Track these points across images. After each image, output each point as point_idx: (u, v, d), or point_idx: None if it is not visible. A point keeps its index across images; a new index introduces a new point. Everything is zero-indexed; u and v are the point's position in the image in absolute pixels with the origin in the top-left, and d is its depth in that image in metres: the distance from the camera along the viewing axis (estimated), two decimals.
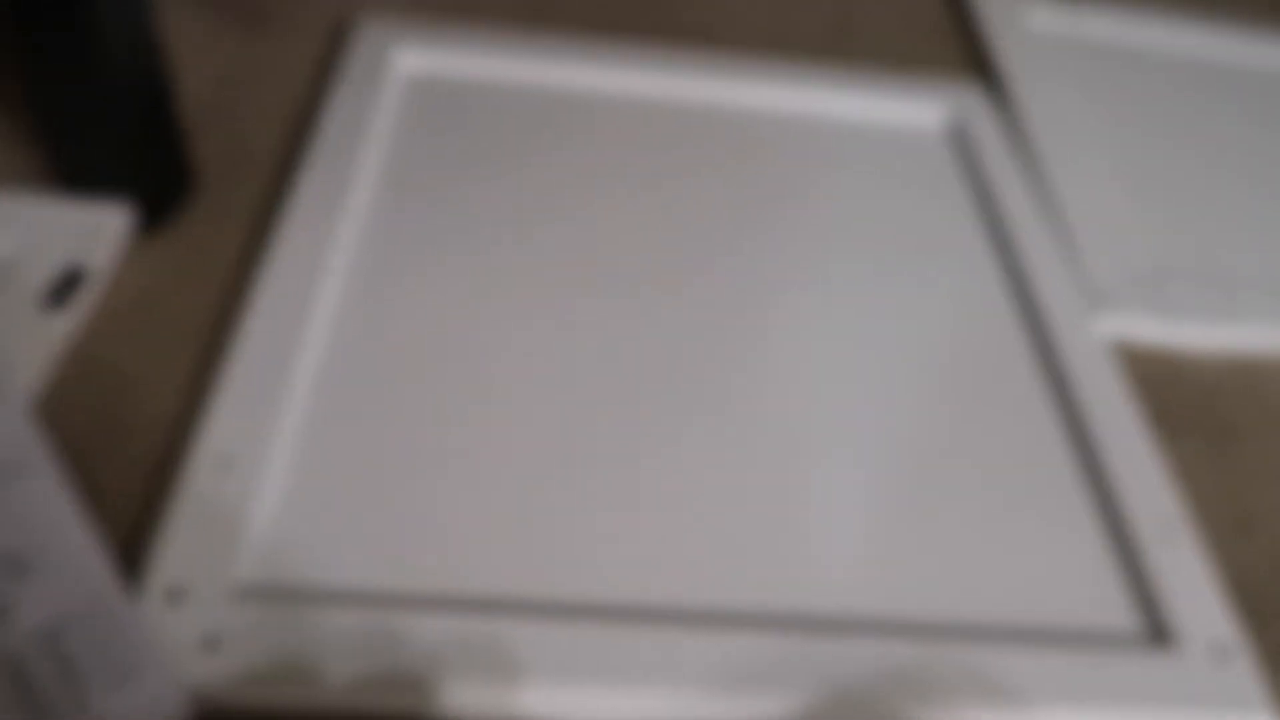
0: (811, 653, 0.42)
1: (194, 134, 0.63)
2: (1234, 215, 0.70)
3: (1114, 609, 0.47)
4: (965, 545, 0.48)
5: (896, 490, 0.50)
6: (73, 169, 0.56)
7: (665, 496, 0.48)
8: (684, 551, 0.46)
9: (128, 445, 0.47)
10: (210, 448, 0.45)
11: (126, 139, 0.54)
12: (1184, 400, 0.58)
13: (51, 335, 0.50)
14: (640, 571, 0.45)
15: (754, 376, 0.54)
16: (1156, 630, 0.46)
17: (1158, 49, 0.86)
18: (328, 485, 0.46)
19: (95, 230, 0.54)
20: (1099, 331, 0.59)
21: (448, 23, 0.75)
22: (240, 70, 0.69)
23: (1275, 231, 0.69)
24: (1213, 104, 0.80)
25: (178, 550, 0.42)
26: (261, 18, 0.73)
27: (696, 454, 0.50)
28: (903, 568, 0.47)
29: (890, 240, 0.63)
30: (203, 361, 0.51)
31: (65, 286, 0.52)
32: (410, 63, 0.69)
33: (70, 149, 0.55)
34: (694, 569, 0.45)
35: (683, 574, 0.45)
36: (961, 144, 0.71)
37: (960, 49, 0.83)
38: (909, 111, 0.73)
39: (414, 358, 0.52)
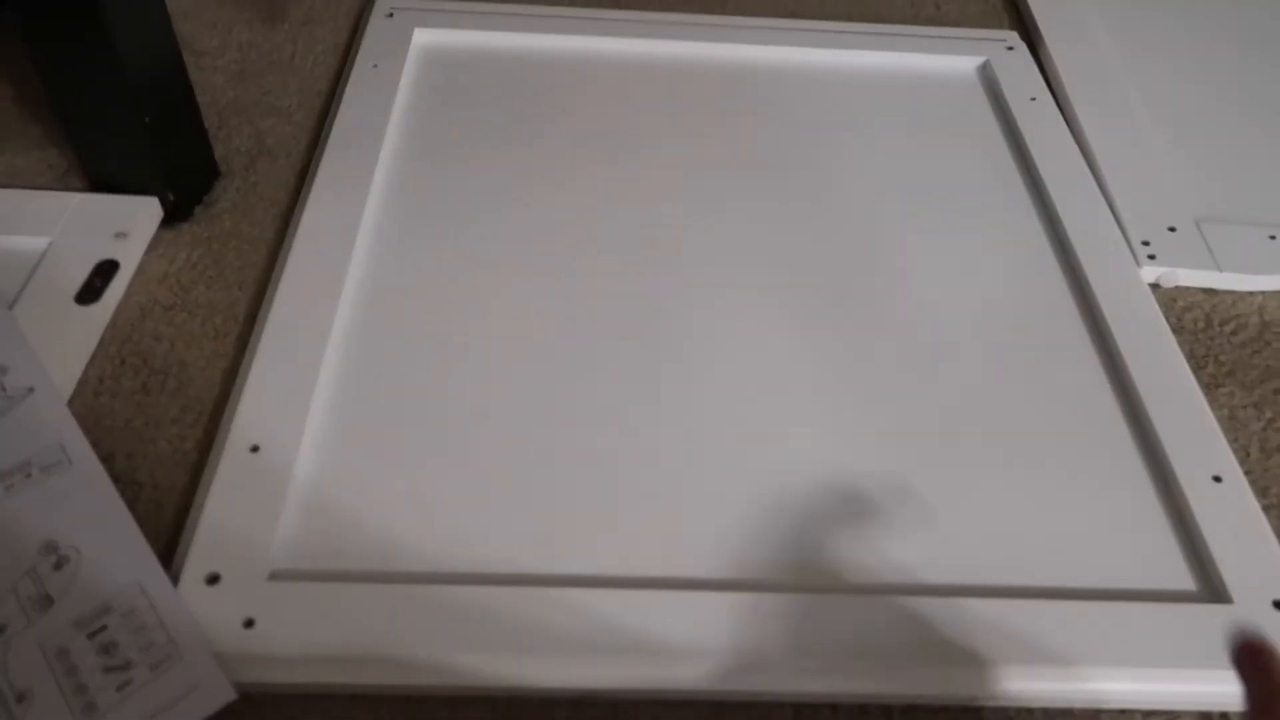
0: (866, 611, 0.41)
1: (217, 125, 0.64)
2: (1272, 157, 0.67)
3: (1169, 567, 0.45)
4: (1016, 505, 0.47)
5: (949, 447, 0.49)
6: (101, 166, 0.57)
7: (701, 461, 0.47)
8: (730, 513, 0.45)
9: (164, 434, 0.48)
10: (242, 436, 0.46)
11: (150, 134, 0.55)
12: (1230, 348, 0.56)
13: (87, 328, 0.51)
14: (668, 544, 0.44)
15: (798, 329, 0.53)
16: (1213, 588, 0.44)
17: None
18: (354, 470, 0.46)
19: (126, 224, 0.55)
20: (1140, 280, 0.57)
21: (462, 0, 0.74)
22: (260, 60, 0.69)
23: None
24: (1246, 44, 0.77)
25: (214, 536, 0.42)
26: (278, 8, 0.74)
27: (738, 413, 0.49)
28: (956, 529, 0.46)
29: (929, 190, 0.62)
30: (234, 351, 0.51)
31: (99, 280, 0.53)
32: (427, 40, 0.69)
33: (96, 147, 0.56)
34: (751, 531, 0.45)
35: (737, 537, 0.44)
36: (995, 93, 0.69)
37: None
38: (944, 62, 0.71)
39: (433, 344, 0.52)
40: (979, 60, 0.71)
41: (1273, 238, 0.61)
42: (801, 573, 0.44)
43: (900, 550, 0.45)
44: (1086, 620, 0.42)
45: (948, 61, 0.72)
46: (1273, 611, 0.43)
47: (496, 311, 0.53)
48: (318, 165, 0.59)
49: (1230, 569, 0.44)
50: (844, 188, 0.62)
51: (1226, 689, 0.41)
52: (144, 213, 0.56)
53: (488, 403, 0.49)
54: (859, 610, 0.42)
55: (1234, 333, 0.57)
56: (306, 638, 0.39)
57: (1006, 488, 0.48)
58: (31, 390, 0.47)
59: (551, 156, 0.62)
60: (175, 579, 0.41)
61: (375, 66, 0.65)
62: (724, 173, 0.62)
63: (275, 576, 0.42)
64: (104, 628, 0.39)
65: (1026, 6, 0.78)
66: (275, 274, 0.54)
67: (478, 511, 0.45)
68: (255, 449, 0.45)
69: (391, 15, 0.70)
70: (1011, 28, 0.77)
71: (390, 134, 0.61)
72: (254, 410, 0.47)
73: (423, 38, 0.69)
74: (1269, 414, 0.53)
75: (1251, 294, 0.59)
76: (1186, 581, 0.45)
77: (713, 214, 0.59)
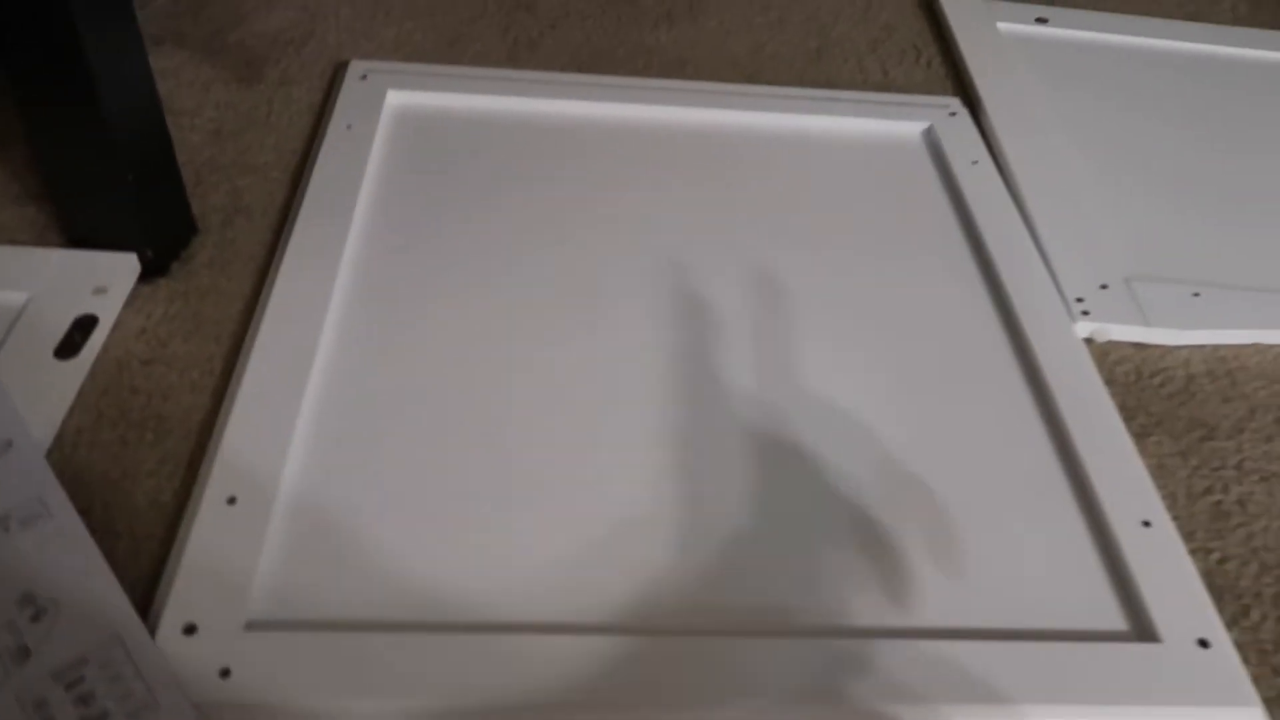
0: (804, 653, 0.43)
1: (195, 182, 0.66)
2: (1202, 214, 0.72)
3: (1100, 607, 0.48)
4: (956, 549, 0.50)
5: (881, 491, 0.51)
6: (81, 222, 0.59)
7: (654, 513, 0.49)
8: (693, 563, 0.47)
9: (141, 486, 0.49)
10: (219, 487, 0.47)
11: (129, 191, 0.56)
12: (1159, 399, 0.60)
13: (66, 382, 0.53)
14: (639, 588, 0.46)
15: (747, 381, 0.55)
16: (1142, 628, 0.47)
17: (1127, 49, 0.88)
18: (330, 520, 0.48)
19: (104, 280, 0.57)
20: (1074, 335, 0.61)
21: (435, 63, 0.77)
22: (238, 118, 0.72)
23: (1243, 229, 0.71)
24: (1173, 114, 0.82)
25: (191, 587, 0.44)
26: (256, 67, 0.76)
27: (696, 468, 0.51)
28: (891, 571, 0.48)
29: (874, 250, 0.65)
30: (211, 403, 0.53)
31: (78, 335, 0.54)
32: (401, 102, 0.72)
33: (76, 204, 0.58)
34: (703, 577, 0.47)
35: (690, 583, 0.47)
36: (939, 157, 0.73)
37: (937, 63, 0.85)
38: (892, 127, 0.75)
39: (408, 398, 0.54)
40: (924, 125, 0.76)
41: (1196, 295, 0.65)
42: (746, 616, 0.46)
43: (841, 593, 0.47)
44: (1023, 660, 0.45)
45: (895, 126, 0.76)
46: (1198, 649, 0.46)
47: (471, 369, 0.55)
48: (293, 222, 0.61)
49: (1159, 609, 0.47)
50: (796, 246, 0.65)
51: None
52: (122, 268, 0.58)
53: (464, 457, 0.51)
54: (796, 653, 0.44)
55: (1162, 385, 0.61)
56: (283, 687, 0.41)
57: (947, 533, 0.50)
58: (10, 444, 0.48)
59: (520, 217, 0.65)
60: (153, 629, 0.42)
61: (349, 127, 0.68)
62: (684, 232, 0.65)
63: (252, 626, 0.43)
64: (81, 679, 0.40)
65: (968, 74, 0.82)
66: (252, 328, 0.56)
67: (456, 560, 0.47)
68: (232, 500, 0.47)
69: (365, 77, 0.73)
70: (955, 94, 0.81)
71: (364, 193, 0.64)
72: (231, 462, 0.49)
73: (396, 99, 0.72)
74: (1194, 462, 0.57)
75: (1178, 348, 0.63)
76: (1118, 622, 0.48)
77: (673, 272, 0.62)
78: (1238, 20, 0.97)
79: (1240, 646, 0.48)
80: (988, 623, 0.47)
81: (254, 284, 0.60)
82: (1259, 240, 0.71)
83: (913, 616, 0.47)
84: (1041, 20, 0.90)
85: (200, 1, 0.82)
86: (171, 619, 0.43)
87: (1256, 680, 0.47)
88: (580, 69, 0.80)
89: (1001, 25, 0.89)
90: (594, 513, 0.49)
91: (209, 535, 0.46)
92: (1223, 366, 0.62)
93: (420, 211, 0.64)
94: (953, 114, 0.77)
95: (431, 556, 0.47)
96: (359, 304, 0.58)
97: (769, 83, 0.80)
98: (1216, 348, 0.63)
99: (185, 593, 0.44)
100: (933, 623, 0.47)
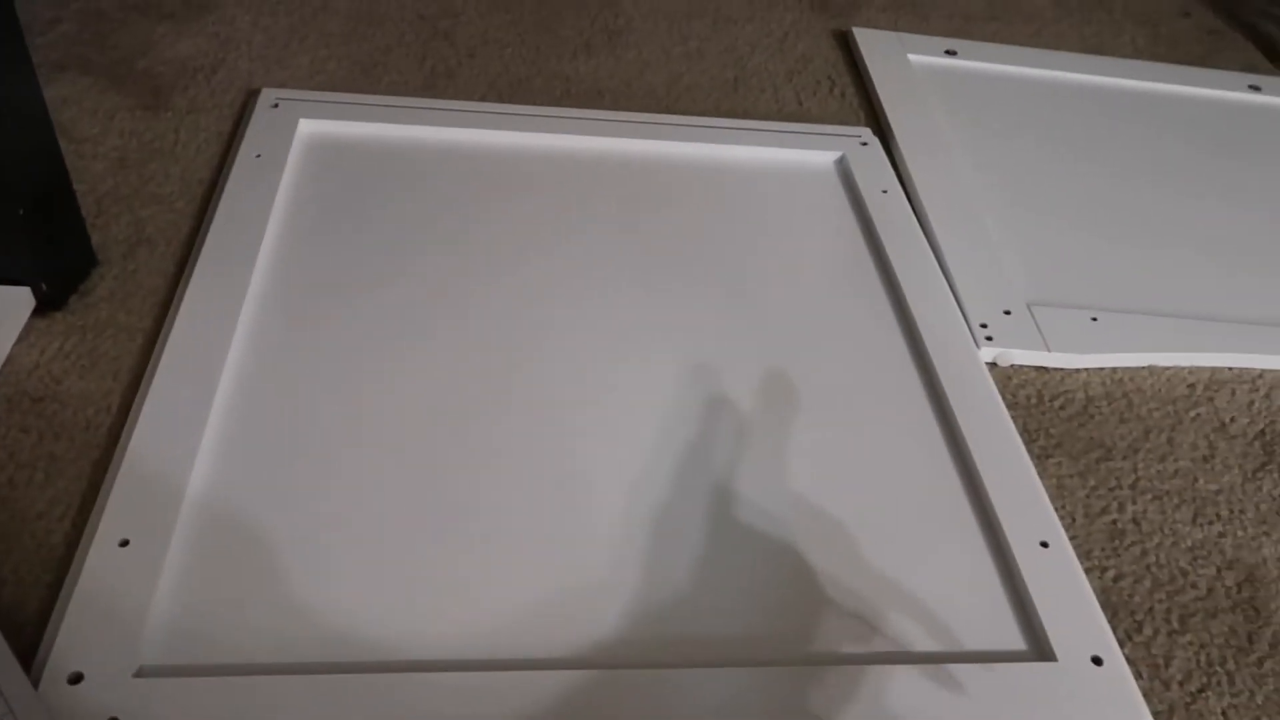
0: (694, 684, 0.44)
1: (96, 213, 0.64)
2: (1101, 240, 0.75)
3: (1001, 628, 0.49)
4: (861, 575, 0.50)
5: (793, 523, 0.52)
6: None
7: (546, 545, 0.49)
8: (580, 601, 0.47)
9: (29, 529, 0.47)
10: (110, 530, 0.46)
11: (22, 226, 0.55)
12: (1059, 421, 0.62)
13: None
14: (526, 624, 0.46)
15: (666, 405, 0.56)
16: (1039, 647, 0.48)
17: (1032, 80, 0.91)
18: (225, 564, 0.47)
19: None
20: (978, 360, 0.62)
21: (350, 91, 0.77)
22: (141, 148, 0.70)
23: (1139, 254, 0.74)
24: (1074, 145, 0.86)
25: (78, 633, 0.42)
26: (163, 95, 0.75)
27: (597, 503, 0.51)
28: (800, 602, 0.49)
29: (786, 278, 0.66)
30: (106, 442, 0.51)
31: None
32: (313, 131, 0.71)
33: None
34: (596, 614, 0.47)
35: (581, 619, 0.46)
36: (851, 186, 0.75)
37: (850, 93, 0.87)
38: (806, 156, 0.77)
39: (308, 436, 0.53)
40: (837, 155, 0.77)
41: (1094, 319, 0.67)
42: (657, 649, 0.46)
43: (750, 627, 0.48)
44: (926, 684, 0.45)
45: (808, 156, 0.77)
46: (1092, 667, 0.47)
47: (381, 404, 0.55)
48: (198, 254, 0.60)
49: (1055, 629, 0.49)
50: (710, 275, 0.66)
51: None
52: (15, 303, 0.56)
53: (375, 492, 0.50)
54: (701, 682, 0.44)
55: (1062, 407, 0.63)
56: None
57: (856, 561, 0.51)
58: None
59: (434, 247, 0.64)
60: (35, 679, 0.41)
61: (259, 156, 0.67)
62: (597, 258, 0.65)
63: (142, 673, 0.42)
64: None
65: (880, 105, 0.84)
66: (151, 364, 0.55)
67: (351, 601, 0.46)
68: (124, 543, 0.46)
69: (277, 106, 0.72)
70: (867, 124, 0.83)
71: (272, 224, 0.63)
72: (125, 502, 0.47)
73: (308, 128, 0.71)
74: (1092, 482, 0.58)
75: (1078, 371, 0.65)
76: (1018, 642, 0.49)
77: (584, 297, 0.62)
78: (1137, 53, 1.01)
79: (1133, 662, 0.50)
80: (894, 647, 0.48)
81: (155, 318, 0.58)
82: (1153, 265, 0.74)
83: (821, 645, 0.47)
84: (951, 53, 0.93)
85: (107, 27, 0.80)
86: (56, 667, 0.41)
87: (1148, 694, 0.48)
88: (499, 98, 0.80)
89: (912, 57, 0.91)
90: (510, 546, 0.49)
91: (99, 579, 0.44)
92: (1120, 389, 0.64)
93: (331, 243, 0.63)
94: (864, 144, 0.79)
95: (339, 594, 0.46)
96: (264, 338, 0.57)
97: (686, 113, 0.81)
98: (1114, 370, 0.66)
99: (72, 639, 0.42)
100: (841, 650, 0.47)
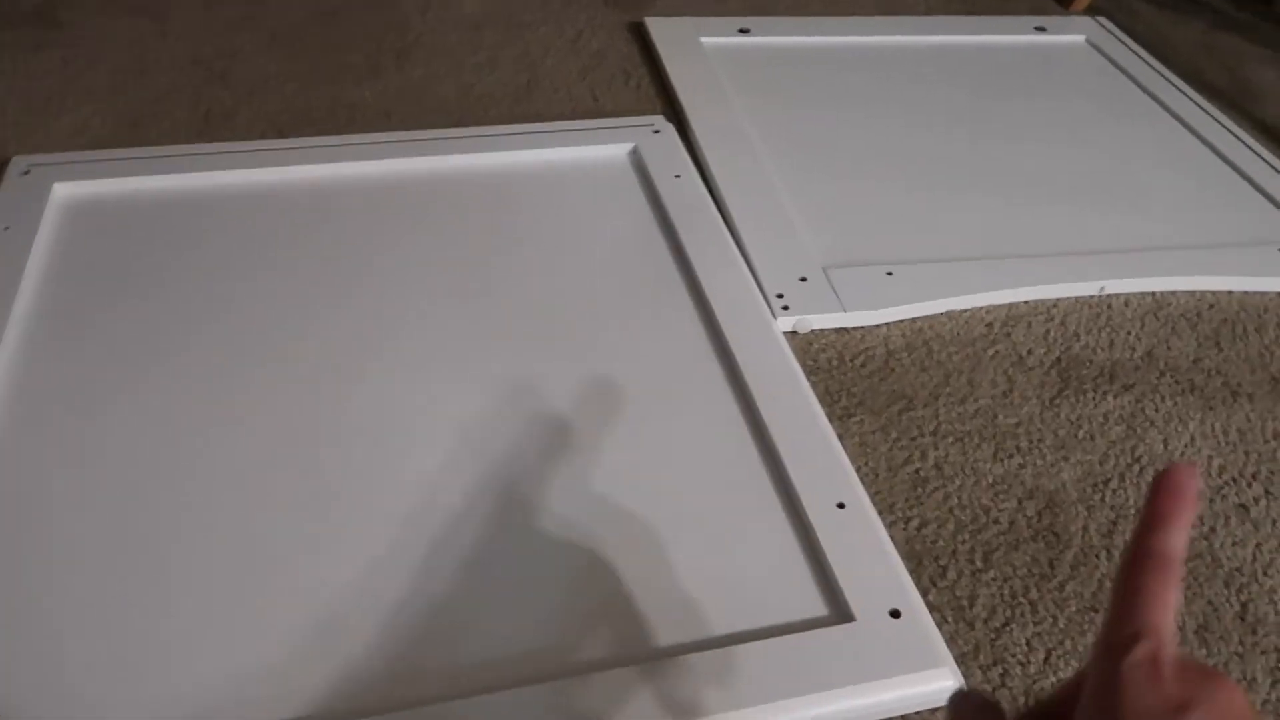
0: (527, 703, 0.42)
1: None
2: (894, 196, 0.76)
3: (804, 597, 0.49)
4: (670, 568, 0.49)
5: (599, 525, 0.51)
6: None
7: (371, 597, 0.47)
8: (396, 634, 0.45)
9: None
10: None
11: None
12: (860, 379, 0.62)
13: None
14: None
15: (469, 420, 0.54)
16: (839, 610, 0.48)
17: (825, 48, 0.92)
18: None
19: None
20: (775, 331, 0.62)
21: (115, 147, 0.73)
22: None
23: (932, 206, 0.75)
24: (863, 105, 0.87)
25: None
26: None
27: (398, 534, 0.49)
28: (612, 603, 0.47)
29: (584, 275, 0.65)
30: None
31: None
32: (70, 194, 0.67)
33: None
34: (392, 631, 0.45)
35: (393, 655, 0.44)
36: (644, 174, 0.74)
37: (646, 83, 0.87)
38: (599, 151, 0.76)
39: (63, 517, 0.50)
40: (629, 146, 0.77)
41: (890, 274, 0.68)
42: (469, 675, 0.44)
43: (565, 635, 0.46)
44: (737, 663, 0.45)
45: (601, 150, 0.76)
46: (890, 621, 0.47)
47: (142, 475, 0.52)
48: None
49: (852, 589, 0.48)
50: (508, 281, 0.64)
51: (859, 702, 0.44)
52: None
53: (130, 566, 0.47)
54: (522, 701, 0.42)
55: (863, 365, 0.63)
56: None
57: (664, 553, 0.50)
58: None
59: (203, 301, 0.61)
60: None
61: (7, 229, 0.63)
62: (395, 283, 0.63)
63: None
64: None
65: (674, 91, 0.84)
66: None
67: (77, 668, 0.43)
68: None
69: (28, 173, 0.68)
70: (662, 112, 0.83)
71: (22, 299, 0.59)
72: None
73: (64, 191, 0.67)
74: (894, 435, 0.59)
75: (877, 327, 0.65)
76: (820, 608, 0.48)
77: (382, 329, 0.60)
78: (930, 10, 1.03)
79: (937, 608, 0.50)
80: (708, 633, 0.47)
81: None
82: (946, 215, 0.75)
83: (636, 643, 0.46)
84: (744, 31, 0.93)
85: None
86: None
87: (953, 638, 0.48)
88: (280, 134, 0.77)
89: (705, 40, 0.91)
90: (276, 603, 0.46)
91: None
92: (920, 338, 0.65)
93: (90, 311, 0.60)
94: (656, 131, 0.78)
95: (80, 663, 0.43)
96: (15, 420, 0.53)
97: (477, 123, 0.80)
98: (913, 321, 0.66)
99: None
100: (657, 644, 0.46)
